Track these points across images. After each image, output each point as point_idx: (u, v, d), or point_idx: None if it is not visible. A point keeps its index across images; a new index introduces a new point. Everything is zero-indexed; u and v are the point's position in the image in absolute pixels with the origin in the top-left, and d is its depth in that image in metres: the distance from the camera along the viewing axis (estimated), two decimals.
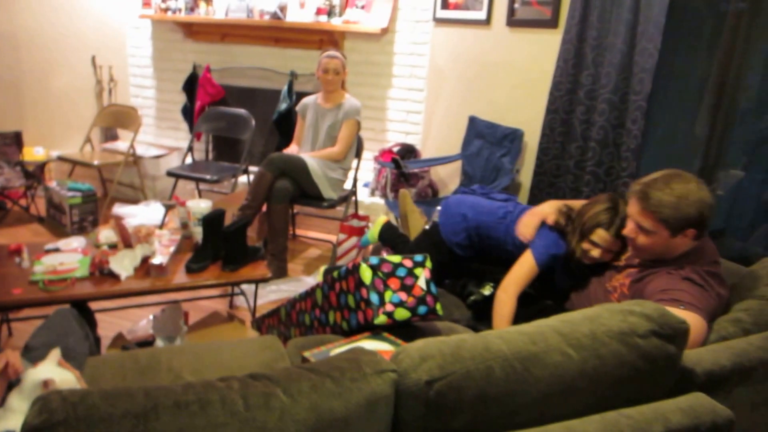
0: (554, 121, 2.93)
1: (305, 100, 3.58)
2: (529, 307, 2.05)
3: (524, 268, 2.02)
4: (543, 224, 2.07)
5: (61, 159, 4.35)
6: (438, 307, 1.80)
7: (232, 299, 3.05)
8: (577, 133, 2.84)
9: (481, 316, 2.07)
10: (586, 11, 2.72)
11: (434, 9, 3.76)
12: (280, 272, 3.29)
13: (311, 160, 3.31)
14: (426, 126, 4.02)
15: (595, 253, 1.94)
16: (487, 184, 3.35)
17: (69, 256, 2.47)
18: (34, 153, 4.52)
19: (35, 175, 4.15)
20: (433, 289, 1.81)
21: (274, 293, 3.14)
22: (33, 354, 1.63)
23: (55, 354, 1.39)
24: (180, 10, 4.24)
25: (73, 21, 4.65)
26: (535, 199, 3.08)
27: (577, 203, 2.07)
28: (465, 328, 1.96)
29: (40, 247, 2.57)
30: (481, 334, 1.23)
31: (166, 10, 4.28)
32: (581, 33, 2.76)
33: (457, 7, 3.59)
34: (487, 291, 2.07)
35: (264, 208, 3.31)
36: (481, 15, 3.39)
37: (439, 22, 3.75)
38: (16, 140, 4.16)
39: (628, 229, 1.77)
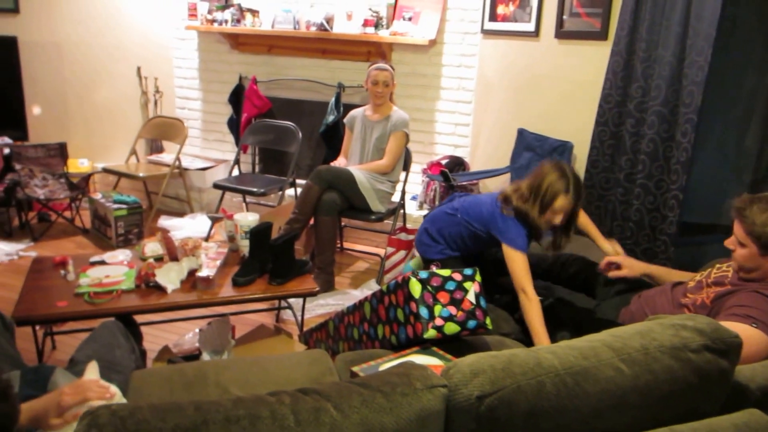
0: (604, 134, 2.97)
1: (353, 112, 3.71)
2: (578, 321, 2.11)
3: (518, 263, 2.22)
4: (500, 216, 2.33)
5: (106, 171, 4.57)
6: (487, 321, 1.87)
7: (279, 313, 3.15)
8: (626, 145, 2.88)
9: None
10: (635, 23, 2.78)
11: (482, 21, 3.85)
12: (328, 285, 3.40)
13: (359, 172, 3.42)
14: (474, 138, 4.10)
15: (558, 219, 2.25)
16: None
17: (115, 268, 2.57)
18: (78, 165, 4.73)
19: (80, 186, 4.36)
20: (482, 303, 1.88)
21: (321, 307, 3.24)
22: (78, 368, 1.66)
23: (94, 366, 1.46)
24: (226, 21, 4.44)
25: (119, 32, 4.88)
26: (585, 212, 3.12)
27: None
28: (515, 342, 2.02)
29: (86, 260, 2.66)
30: (531, 349, 1.29)
31: (213, 21, 4.48)
32: (630, 45, 2.81)
33: (505, 18, 3.68)
34: None
35: (311, 221, 3.43)
36: (530, 27, 3.47)
37: (488, 33, 3.84)
38: (61, 152, 4.37)
39: (729, 241, 1.86)
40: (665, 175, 2.74)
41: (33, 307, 2.26)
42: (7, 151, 4.16)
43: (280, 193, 4.12)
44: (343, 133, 3.81)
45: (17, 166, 4.16)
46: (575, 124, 3.26)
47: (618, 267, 2.29)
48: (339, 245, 4.11)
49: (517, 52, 3.64)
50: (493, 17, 3.76)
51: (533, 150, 3.48)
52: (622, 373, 1.22)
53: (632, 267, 2.29)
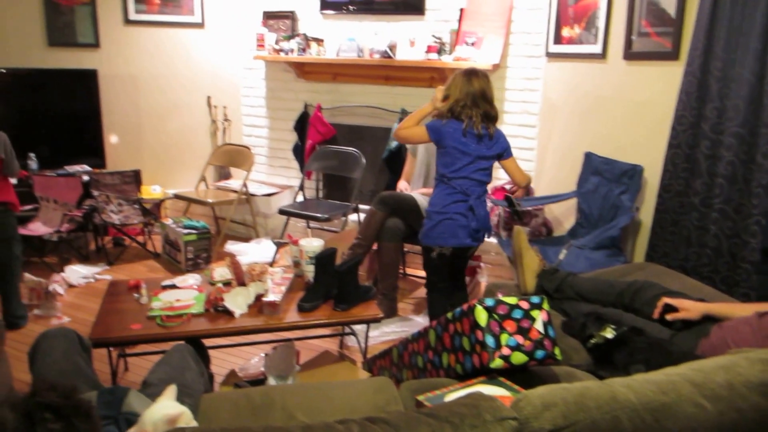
0: (677, 157, 2.87)
1: None
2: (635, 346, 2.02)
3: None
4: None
5: (177, 197, 4.77)
6: (556, 351, 1.82)
7: (342, 338, 3.17)
8: (702, 168, 2.77)
9: (602, 360, 2.06)
10: (710, 42, 2.68)
11: (547, 44, 3.83)
12: (391, 312, 3.40)
13: (422, 198, 3.42)
14: (539, 162, 4.05)
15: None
16: (605, 222, 3.32)
17: (185, 292, 2.66)
18: (151, 191, 4.90)
19: (152, 212, 4.57)
20: (551, 332, 1.84)
21: (385, 334, 3.25)
22: (151, 390, 1.70)
23: (172, 390, 1.49)
24: (292, 50, 4.58)
25: (191, 64, 5.12)
26: (657, 238, 3.01)
27: None
28: (585, 374, 1.96)
29: (158, 284, 2.76)
30: (606, 382, 1.25)
31: (279, 51, 4.64)
32: (705, 64, 2.71)
33: (570, 41, 3.64)
34: (608, 334, 2.06)
35: (374, 246, 3.46)
36: (596, 48, 3.41)
37: (552, 56, 3.81)
38: (135, 179, 4.59)
39: None
40: (745, 199, 2.62)
41: (108, 329, 2.35)
42: (86, 178, 4.40)
43: (344, 218, 4.17)
44: (406, 158, 3.83)
45: (95, 193, 4.39)
46: (645, 147, 3.17)
47: (675, 309, 2.19)
48: (402, 271, 4.11)
49: (584, 74, 3.58)
50: (558, 40, 3.73)
51: (601, 174, 3.41)
52: (705, 410, 1.17)
53: (690, 308, 2.17)
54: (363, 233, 3.40)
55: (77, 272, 4.03)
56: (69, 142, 4.85)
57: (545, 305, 1.88)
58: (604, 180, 3.38)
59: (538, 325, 1.83)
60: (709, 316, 2.14)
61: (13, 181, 3.50)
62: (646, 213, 3.17)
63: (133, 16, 4.91)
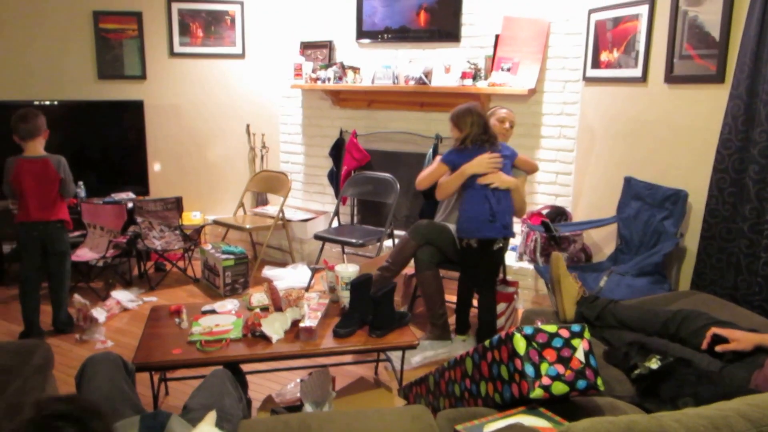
0: (723, 181, 2.78)
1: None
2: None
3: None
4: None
5: (216, 223, 4.83)
6: (599, 382, 1.75)
7: (377, 365, 3.14)
8: (751, 194, 2.67)
9: (647, 392, 1.97)
10: (757, 64, 2.60)
11: (584, 68, 3.78)
12: (445, 337, 3.37)
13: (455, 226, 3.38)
14: (577, 187, 3.98)
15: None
16: (647, 248, 3.22)
17: (224, 317, 2.68)
18: (191, 217, 5.04)
19: (192, 238, 4.63)
20: (592, 362, 1.77)
21: (426, 358, 3.19)
22: (191, 415, 1.71)
23: (212, 416, 1.49)
24: (329, 78, 4.64)
25: (231, 93, 5.23)
26: (703, 265, 2.90)
27: None
28: (630, 406, 1.87)
29: (198, 309, 2.80)
30: (654, 416, 1.19)
31: (317, 79, 4.70)
32: (752, 87, 2.63)
33: (609, 65, 3.59)
34: (654, 364, 1.98)
35: (405, 272, 3.43)
36: (636, 72, 3.35)
37: (590, 81, 3.76)
38: (177, 205, 4.67)
39: None
40: None
41: (150, 354, 2.38)
42: (130, 205, 4.50)
43: (378, 244, 4.16)
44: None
45: (138, 219, 4.48)
46: (688, 172, 3.08)
47: (725, 340, 2.08)
48: None
49: (623, 98, 3.52)
50: (596, 64, 3.68)
51: (642, 199, 3.32)
52: None
53: (742, 339, 2.06)
54: (393, 258, 3.39)
55: (121, 297, 4.10)
56: (115, 171, 4.99)
57: (586, 333, 1.82)
58: (646, 205, 3.29)
59: (580, 354, 1.77)
60: (762, 347, 2.04)
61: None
62: (691, 239, 3.07)
63: (177, 48, 5.06)
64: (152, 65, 5.05)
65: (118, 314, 3.91)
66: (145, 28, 4.98)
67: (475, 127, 3.09)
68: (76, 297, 3.69)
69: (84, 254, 4.27)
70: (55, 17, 4.84)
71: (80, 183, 4.54)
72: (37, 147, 3.45)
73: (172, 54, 5.07)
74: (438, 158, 3.27)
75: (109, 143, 4.96)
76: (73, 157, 3.93)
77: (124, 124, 4.98)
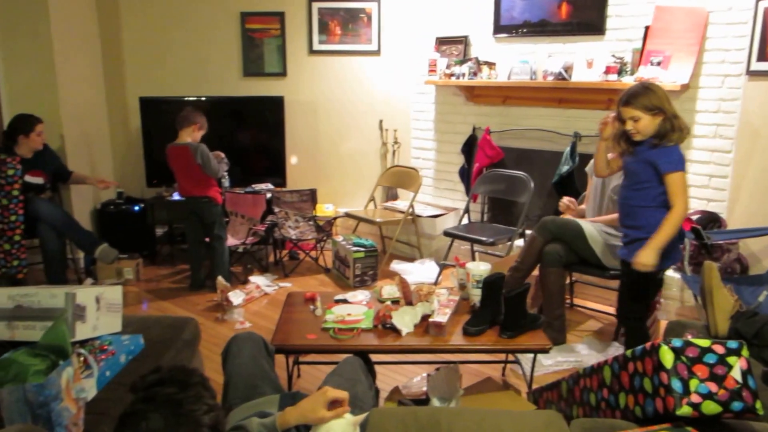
0: None
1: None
2: None
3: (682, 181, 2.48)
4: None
5: (348, 215, 5.00)
6: (758, 405, 1.61)
7: (505, 366, 3.10)
8: None
9: None
10: None
11: (748, 61, 3.47)
12: (559, 339, 3.27)
13: (589, 225, 3.25)
14: (734, 192, 3.67)
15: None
16: None
17: (355, 307, 2.77)
18: (324, 209, 5.28)
19: (325, 229, 4.83)
20: (751, 382, 1.63)
21: (558, 363, 3.12)
22: None
23: (347, 400, 1.56)
24: (464, 74, 4.61)
25: (366, 89, 5.38)
26: None
27: None
28: None
29: (330, 297, 2.91)
30: None
31: (451, 75, 4.70)
32: None
33: None
34: None
35: (536, 272, 3.36)
36: None
37: (755, 75, 3.45)
38: (312, 197, 4.91)
39: None
40: None
41: (287, 337, 2.51)
42: (269, 195, 4.77)
43: (509, 243, 4.09)
44: (576, 183, 3.69)
45: (276, 209, 4.74)
46: None
47: None
48: (569, 300, 3.93)
49: None
50: (763, 56, 3.36)
51: None
52: None
53: None
54: (522, 257, 3.35)
55: (260, 281, 4.37)
56: (256, 162, 5.32)
57: (744, 351, 1.68)
58: None
59: (736, 373, 1.64)
60: None
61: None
62: None
63: (316, 46, 5.29)
64: (292, 63, 5.32)
65: (257, 298, 4.17)
66: (287, 27, 5.25)
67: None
68: (220, 279, 3.98)
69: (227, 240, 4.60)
70: (205, 19, 5.26)
71: (225, 174, 4.89)
72: (184, 136, 4.06)
73: (311, 52, 5.30)
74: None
75: (251, 137, 5.31)
76: (220, 149, 4.29)
77: (266, 119, 5.29)
